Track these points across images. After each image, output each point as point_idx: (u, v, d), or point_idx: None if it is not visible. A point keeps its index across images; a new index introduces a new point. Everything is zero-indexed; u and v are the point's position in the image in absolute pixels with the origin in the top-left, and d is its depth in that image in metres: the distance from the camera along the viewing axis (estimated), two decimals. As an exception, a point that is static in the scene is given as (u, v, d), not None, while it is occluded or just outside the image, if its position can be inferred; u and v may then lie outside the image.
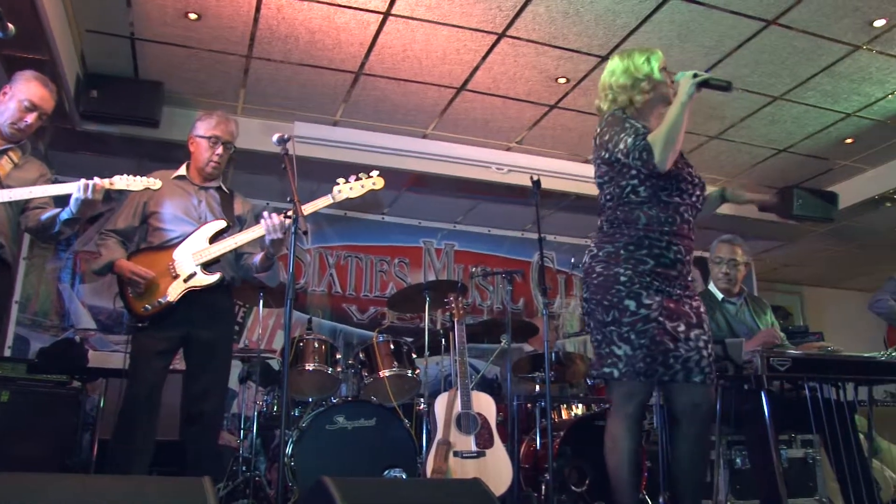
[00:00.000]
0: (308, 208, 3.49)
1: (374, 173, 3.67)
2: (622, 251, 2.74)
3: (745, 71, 5.26)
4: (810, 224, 7.65)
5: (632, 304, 2.68)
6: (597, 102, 3.03)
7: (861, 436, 3.90)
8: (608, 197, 2.87)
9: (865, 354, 3.82)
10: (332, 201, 3.58)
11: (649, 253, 2.72)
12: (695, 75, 2.65)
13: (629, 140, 2.70)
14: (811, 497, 4.06)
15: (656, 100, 2.87)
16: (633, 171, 2.76)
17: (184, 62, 5.14)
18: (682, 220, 2.76)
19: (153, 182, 3.33)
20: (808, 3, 4.50)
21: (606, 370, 2.72)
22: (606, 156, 2.82)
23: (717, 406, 3.70)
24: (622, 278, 2.70)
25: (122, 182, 3.27)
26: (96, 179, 3.19)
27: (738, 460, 4.01)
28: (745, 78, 5.36)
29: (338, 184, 3.62)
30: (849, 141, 6.41)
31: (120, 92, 5.21)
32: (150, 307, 3.41)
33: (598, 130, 2.87)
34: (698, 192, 2.83)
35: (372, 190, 3.66)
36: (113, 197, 5.84)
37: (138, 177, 3.31)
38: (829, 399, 3.66)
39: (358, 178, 3.62)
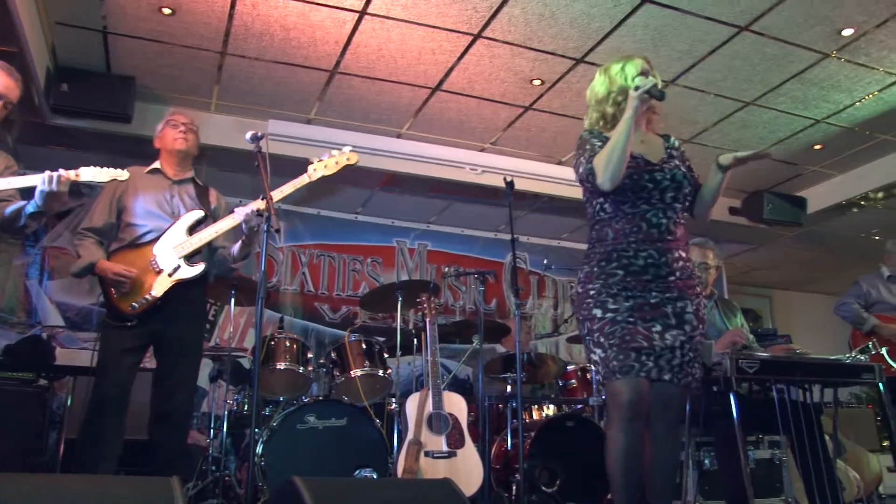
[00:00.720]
0: (286, 188, 3.53)
1: (347, 148, 3.69)
2: (595, 268, 2.82)
3: (718, 76, 5.32)
4: (780, 228, 7.75)
5: (598, 312, 2.75)
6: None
7: (826, 437, 3.96)
8: (588, 216, 2.97)
9: (831, 357, 3.88)
10: (308, 180, 3.60)
11: (618, 265, 2.77)
12: (636, 88, 2.68)
13: (584, 163, 2.81)
14: (777, 497, 4.11)
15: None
16: (598, 191, 2.82)
17: (157, 57, 5.09)
18: (649, 226, 2.78)
19: (120, 173, 3.28)
20: (780, 11, 4.55)
21: (597, 378, 2.83)
22: (577, 178, 2.91)
23: (687, 407, 3.73)
24: (591, 292, 2.79)
25: (88, 173, 3.21)
26: (61, 171, 3.12)
27: (706, 461, 4.05)
28: (718, 83, 5.42)
29: (312, 163, 3.62)
30: (818, 147, 6.51)
31: (91, 86, 5.14)
32: (136, 305, 3.38)
33: (575, 153, 2.94)
34: (671, 194, 2.83)
35: (347, 165, 3.66)
36: (83, 192, 5.81)
37: (105, 168, 3.26)
38: (796, 401, 3.71)
39: (331, 155, 3.63)
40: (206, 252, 3.63)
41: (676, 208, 2.85)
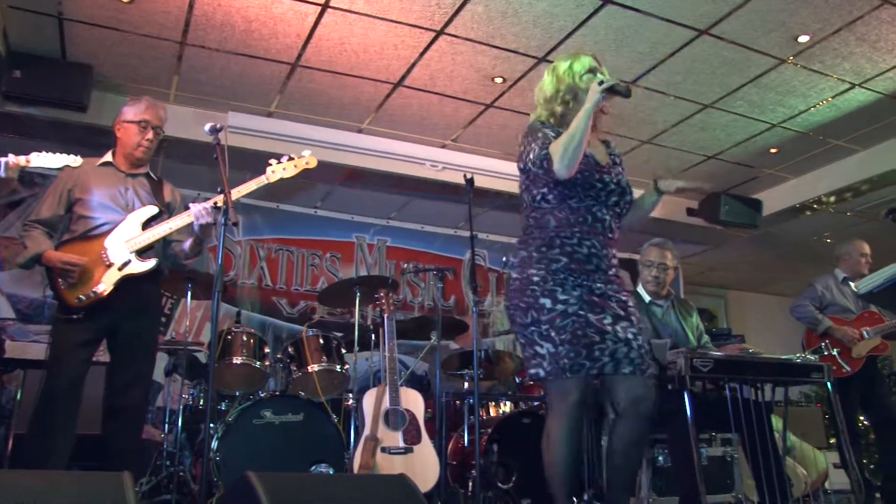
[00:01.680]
0: (243, 189, 3.50)
1: (307, 153, 3.68)
2: (535, 253, 2.76)
3: (678, 78, 5.39)
4: (735, 229, 7.88)
5: (547, 302, 2.67)
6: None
7: (776, 434, 4.04)
8: (524, 204, 2.91)
9: (783, 357, 3.96)
10: (266, 182, 3.57)
11: (561, 251, 2.73)
12: (600, 83, 2.67)
13: (536, 149, 2.75)
14: (728, 493, 4.18)
15: (580, 107, 2.88)
16: (543, 180, 2.79)
17: (115, 45, 5.00)
18: (594, 220, 2.78)
19: (73, 159, 3.22)
20: (739, 16, 4.63)
21: (532, 371, 2.72)
22: (521, 165, 2.87)
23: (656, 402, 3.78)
24: (535, 278, 2.71)
25: (38, 160, 3.14)
26: (10, 156, 3.06)
27: (660, 458, 4.10)
28: (678, 85, 5.49)
29: (271, 164, 3.60)
30: (773, 150, 6.63)
31: (46, 73, 5.04)
32: (84, 297, 3.30)
33: (519, 142, 2.90)
34: (615, 198, 2.83)
35: (305, 169, 3.65)
36: (36, 182, 5.70)
37: (57, 154, 3.19)
38: (748, 399, 3.78)
39: (291, 158, 3.62)
40: (159, 247, 3.57)
41: (617, 212, 2.87)
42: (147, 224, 3.46)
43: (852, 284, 5.46)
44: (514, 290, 2.78)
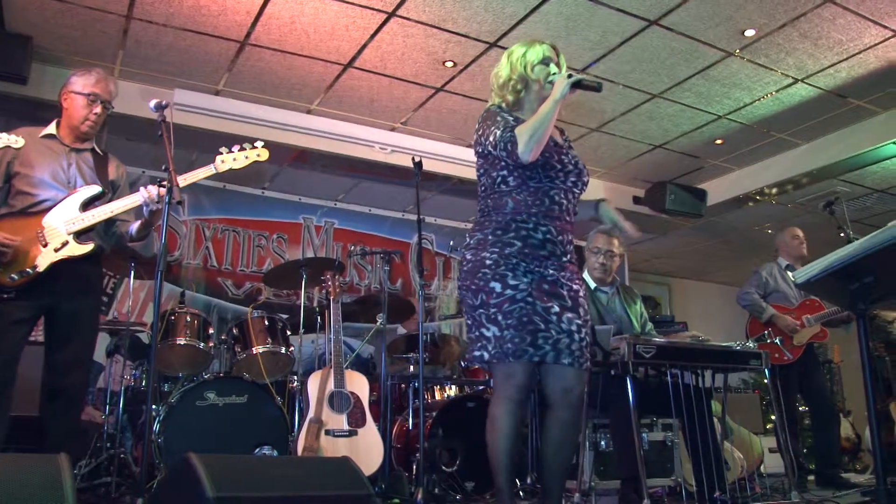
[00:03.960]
0: (189, 178, 3.40)
1: (259, 144, 3.60)
2: (490, 236, 2.77)
3: (627, 67, 5.44)
4: (680, 219, 8.01)
5: (497, 286, 2.69)
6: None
7: (715, 420, 4.13)
8: (482, 188, 2.91)
9: (723, 344, 4.05)
10: (214, 171, 3.49)
11: (516, 235, 2.75)
12: (569, 76, 2.69)
13: (498, 132, 2.74)
14: (668, 477, 4.27)
15: (531, 97, 2.91)
16: (503, 163, 2.80)
17: (56, 17, 4.85)
18: (552, 203, 2.80)
19: (14, 140, 3.13)
20: (688, 8, 4.69)
21: (476, 353, 2.74)
22: (480, 149, 2.88)
23: (585, 391, 3.84)
24: (488, 262, 2.73)
25: None
26: None
27: (602, 442, 4.18)
28: (627, 74, 5.54)
29: (220, 153, 3.52)
30: (718, 142, 6.75)
31: (-17, 43, 4.88)
32: (16, 277, 3.20)
33: (477, 125, 2.91)
34: (573, 179, 2.86)
35: (256, 161, 3.59)
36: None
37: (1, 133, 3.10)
38: (689, 385, 3.86)
39: (242, 149, 3.55)
40: (101, 227, 3.48)
41: (575, 193, 2.90)
42: (88, 204, 3.37)
43: (790, 275, 5.61)
44: (467, 272, 2.80)
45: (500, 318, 2.68)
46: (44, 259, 3.24)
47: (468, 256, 2.82)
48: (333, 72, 5.58)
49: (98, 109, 3.50)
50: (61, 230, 3.29)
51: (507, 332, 2.66)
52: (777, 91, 5.79)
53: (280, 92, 5.90)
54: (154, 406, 4.29)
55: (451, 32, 5.03)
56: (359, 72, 5.57)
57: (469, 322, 2.81)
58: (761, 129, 6.48)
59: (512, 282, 2.69)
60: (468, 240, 2.87)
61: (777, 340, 5.33)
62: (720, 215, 8.09)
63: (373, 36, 5.09)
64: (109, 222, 3.52)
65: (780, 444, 4.63)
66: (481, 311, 2.73)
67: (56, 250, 3.26)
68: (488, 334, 2.70)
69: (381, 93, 5.91)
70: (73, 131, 3.50)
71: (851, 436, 7.78)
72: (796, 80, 5.62)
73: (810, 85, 5.69)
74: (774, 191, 7.36)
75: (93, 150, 3.59)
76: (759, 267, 5.89)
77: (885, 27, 4.92)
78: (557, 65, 2.88)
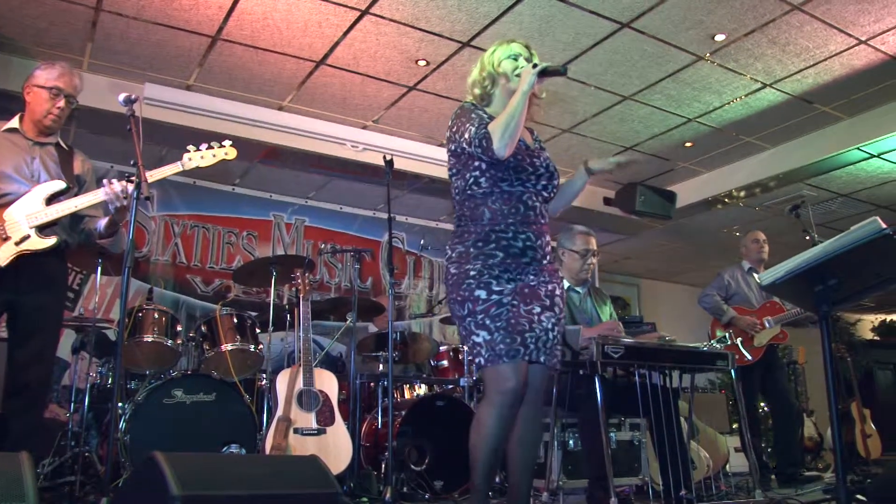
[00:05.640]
0: (156, 174, 3.35)
1: (227, 143, 3.57)
2: (472, 249, 2.79)
3: (599, 69, 5.48)
4: (650, 220, 8.07)
5: (482, 293, 2.72)
6: None
7: (682, 419, 4.18)
8: (456, 190, 2.92)
9: (690, 345, 4.10)
10: (181, 168, 3.45)
11: (497, 246, 2.77)
12: (535, 65, 2.70)
13: (472, 129, 2.74)
14: (635, 476, 4.31)
15: (499, 91, 2.92)
16: (476, 163, 2.80)
17: (23, 7, 4.76)
18: (526, 209, 2.81)
19: None
20: (660, 11, 4.73)
21: (477, 361, 2.75)
22: (453, 147, 2.87)
23: (554, 390, 3.86)
24: (472, 273, 2.75)
25: None
26: None
27: (570, 442, 4.20)
28: (599, 76, 5.58)
29: (188, 151, 3.49)
30: (688, 144, 6.82)
31: (-53, 33, 4.80)
32: (-25, 271, 3.17)
33: (450, 123, 2.91)
34: (544, 182, 2.88)
35: (224, 160, 3.56)
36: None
37: None
38: (657, 385, 3.90)
39: (210, 147, 3.52)
40: (66, 222, 3.43)
41: (545, 196, 2.91)
42: (52, 199, 3.32)
43: (756, 276, 5.70)
44: (452, 285, 2.82)
45: (488, 322, 2.71)
46: (4, 253, 3.20)
47: (452, 270, 2.83)
48: (306, 69, 5.56)
49: (61, 103, 3.46)
50: (23, 224, 3.24)
51: (497, 335, 2.68)
52: (746, 95, 5.86)
53: (252, 88, 5.87)
54: (120, 404, 4.25)
55: (424, 31, 5.02)
56: (331, 69, 5.55)
57: (462, 333, 2.83)
58: (730, 132, 6.55)
59: (496, 288, 2.73)
60: (449, 252, 2.88)
61: (738, 341, 5.41)
62: (689, 217, 8.16)
63: (346, 33, 5.07)
64: (76, 218, 3.48)
65: (744, 444, 4.69)
66: (470, 319, 2.75)
67: (17, 244, 3.22)
68: (479, 340, 2.71)
69: (354, 90, 5.90)
70: (37, 125, 3.46)
71: (814, 435, 7.91)
72: (764, 85, 5.70)
73: (778, 90, 5.77)
74: (742, 194, 7.45)
75: (57, 144, 3.54)
76: (723, 270, 5.98)
77: (850, 35, 5.00)
78: (528, 60, 2.88)
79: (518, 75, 2.78)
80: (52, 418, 4.74)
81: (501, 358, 2.66)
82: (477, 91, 2.94)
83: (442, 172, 6.70)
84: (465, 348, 2.89)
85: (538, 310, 2.74)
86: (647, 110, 6.16)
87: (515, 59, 2.87)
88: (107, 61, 5.45)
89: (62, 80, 3.46)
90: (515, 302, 2.72)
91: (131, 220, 3.03)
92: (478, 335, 2.72)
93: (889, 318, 12.91)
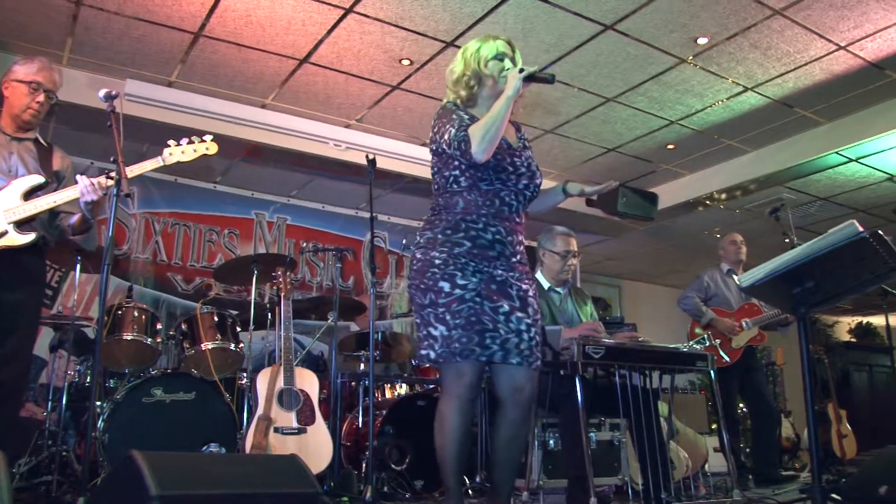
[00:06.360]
0: (136, 169, 3.33)
1: (208, 137, 3.55)
2: (440, 235, 2.77)
3: (582, 71, 5.49)
4: (632, 222, 8.10)
5: (446, 286, 2.70)
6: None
7: (662, 420, 4.20)
8: (436, 186, 2.91)
9: (670, 346, 4.12)
10: (161, 164, 3.43)
11: (465, 235, 2.75)
12: (521, 70, 2.70)
13: (452, 131, 2.73)
14: (615, 476, 4.33)
15: (485, 92, 2.91)
16: (455, 162, 2.79)
17: (1, 0, 4.73)
18: (501, 204, 2.81)
19: None
20: (643, 14, 4.75)
21: (423, 352, 2.73)
22: (434, 147, 2.86)
23: (534, 390, 3.87)
24: (437, 261, 2.73)
25: None
26: None
27: (551, 442, 4.21)
28: (582, 77, 5.60)
29: (168, 146, 3.47)
30: (671, 146, 6.85)
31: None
32: (-48, 266, 3.13)
33: (433, 122, 2.90)
34: (525, 181, 2.87)
35: (205, 155, 3.54)
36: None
37: None
38: (637, 386, 3.91)
39: (190, 142, 3.49)
40: (44, 218, 3.39)
41: (526, 196, 2.90)
42: (30, 194, 3.29)
43: (736, 278, 5.74)
44: (416, 271, 2.80)
45: (448, 317, 2.68)
46: (-20, 248, 3.16)
47: (418, 255, 2.81)
48: (289, 67, 5.54)
49: (41, 98, 3.42)
50: (1, 219, 3.21)
51: (455, 332, 2.66)
52: (727, 98, 5.90)
53: (234, 85, 5.84)
54: (98, 402, 4.22)
55: (408, 30, 5.02)
56: (314, 67, 5.54)
57: (418, 321, 2.80)
58: (712, 135, 6.59)
59: (461, 281, 2.70)
60: (418, 238, 2.87)
61: (716, 343, 5.45)
62: (671, 219, 8.21)
63: (329, 32, 5.06)
64: (54, 214, 3.45)
65: (722, 444, 4.73)
66: (429, 310, 2.73)
67: None
68: (436, 333, 2.70)
69: (337, 89, 5.89)
70: (15, 120, 3.42)
71: (791, 436, 7.98)
72: (746, 89, 5.74)
73: (759, 94, 5.81)
74: (723, 196, 7.50)
75: (36, 140, 3.50)
76: (702, 272, 6.02)
77: (830, 41, 5.05)
78: (513, 60, 2.87)
79: (505, 78, 2.77)
80: (29, 417, 4.70)
81: (455, 356, 2.66)
82: (463, 93, 2.91)
83: (425, 172, 6.69)
84: (417, 336, 2.85)
85: (506, 308, 2.72)
86: (629, 112, 6.18)
87: (501, 60, 2.86)
88: (87, 56, 5.41)
89: (41, 75, 3.42)
90: (479, 298, 2.70)
91: (111, 217, 3.00)
92: (435, 328, 2.71)
93: (866, 320, 13.04)
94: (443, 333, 2.68)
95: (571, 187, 3.10)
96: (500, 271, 2.77)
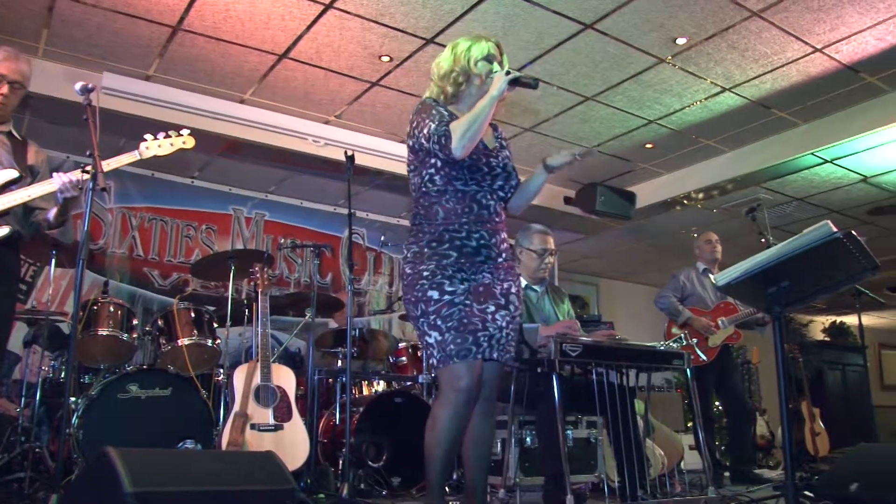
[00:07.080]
0: (112, 163, 3.30)
1: (185, 132, 3.53)
2: (426, 249, 2.79)
3: (561, 69, 5.51)
4: (610, 220, 8.13)
5: (435, 294, 2.73)
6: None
7: (638, 417, 4.23)
8: (413, 187, 2.91)
9: (647, 344, 4.14)
10: (138, 157, 3.41)
11: (451, 246, 2.77)
12: (508, 73, 2.71)
13: (433, 125, 2.74)
14: (591, 473, 4.34)
15: (472, 91, 2.92)
16: (432, 160, 2.80)
17: (-25, -8, 4.68)
18: (480, 207, 2.82)
19: None
20: (623, 14, 4.78)
21: (430, 362, 2.78)
22: (412, 143, 2.86)
23: (512, 388, 3.88)
24: (425, 273, 2.75)
25: None
26: None
27: (528, 439, 4.21)
28: (561, 76, 5.61)
29: (145, 140, 3.44)
30: (649, 146, 6.89)
31: None
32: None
33: (411, 118, 2.90)
34: (500, 182, 2.89)
35: (182, 149, 3.51)
36: None
37: None
38: (614, 384, 3.93)
39: (167, 136, 3.47)
40: (19, 212, 3.35)
41: (501, 196, 2.92)
42: (4, 188, 3.25)
43: (712, 277, 5.78)
44: (407, 286, 2.83)
45: (439, 322, 2.71)
46: (-47, 241, 3.12)
47: (407, 270, 2.84)
48: (268, 62, 5.51)
49: (4, 90, 3.34)
50: None
51: (449, 335, 2.69)
52: (705, 99, 5.94)
53: (213, 80, 5.80)
54: (73, 398, 4.19)
55: (388, 27, 5.01)
56: (294, 63, 5.51)
57: (417, 333, 2.84)
58: (690, 134, 6.63)
59: (449, 288, 2.73)
60: (405, 252, 2.88)
61: (693, 342, 5.49)
62: (648, 218, 8.25)
63: (309, 27, 5.04)
64: (29, 209, 3.41)
65: (698, 442, 4.76)
66: (423, 319, 2.76)
67: None
68: (431, 340, 2.73)
69: (316, 85, 5.86)
70: None
71: (766, 434, 8.06)
72: (724, 89, 5.78)
73: (737, 94, 5.86)
74: (701, 195, 7.55)
75: (9, 133, 3.45)
76: (678, 271, 6.06)
77: (806, 43, 5.10)
78: (500, 63, 2.89)
79: (492, 79, 2.78)
80: (2, 413, 4.64)
81: (452, 358, 2.68)
82: (450, 88, 2.91)
83: (403, 169, 6.65)
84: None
85: (492, 308, 2.77)
86: (608, 111, 6.21)
87: (490, 62, 2.87)
88: (64, 49, 5.35)
89: (4, 66, 3.33)
90: (468, 301, 2.74)
91: (86, 212, 2.98)
92: (430, 336, 2.74)
93: (839, 319, 13.19)
94: (437, 339, 2.72)
95: (553, 160, 3.07)
96: (487, 275, 2.82)
